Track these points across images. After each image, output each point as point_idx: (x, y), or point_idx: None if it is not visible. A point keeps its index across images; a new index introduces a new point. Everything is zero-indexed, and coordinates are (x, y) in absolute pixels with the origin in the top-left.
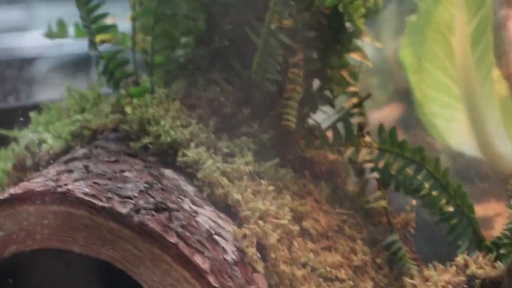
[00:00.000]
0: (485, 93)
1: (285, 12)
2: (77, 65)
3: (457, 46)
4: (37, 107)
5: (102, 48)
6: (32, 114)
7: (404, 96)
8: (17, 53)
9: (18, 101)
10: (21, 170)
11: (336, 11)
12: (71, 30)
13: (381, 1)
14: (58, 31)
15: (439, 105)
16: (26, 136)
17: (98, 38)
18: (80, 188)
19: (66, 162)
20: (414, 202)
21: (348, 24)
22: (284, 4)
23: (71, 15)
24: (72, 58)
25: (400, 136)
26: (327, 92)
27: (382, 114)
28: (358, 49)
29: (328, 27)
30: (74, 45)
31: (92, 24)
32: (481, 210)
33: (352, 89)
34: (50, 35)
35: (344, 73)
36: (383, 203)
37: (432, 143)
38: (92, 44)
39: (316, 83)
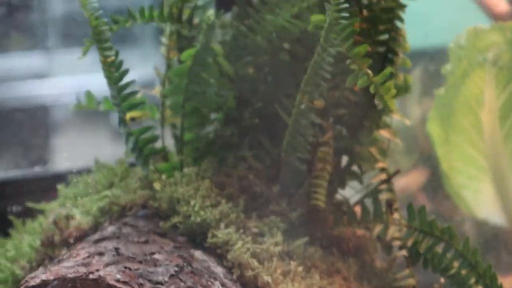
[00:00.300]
0: None
1: (315, 93)
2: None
3: (485, 120)
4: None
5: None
6: (59, 187)
7: (429, 162)
8: (38, 100)
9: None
10: (49, 246)
11: (365, 88)
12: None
13: (411, 79)
14: (87, 102)
15: (466, 176)
16: (54, 210)
17: (128, 115)
18: (112, 275)
19: (96, 242)
20: (442, 280)
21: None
22: (315, 85)
23: (91, 60)
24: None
25: (424, 203)
26: (355, 168)
27: (407, 180)
28: (387, 126)
29: (358, 104)
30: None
31: (122, 102)
32: (506, 283)
33: (380, 165)
34: (79, 106)
35: (373, 150)
36: (411, 281)
37: (457, 211)
38: (122, 121)
39: (344, 158)
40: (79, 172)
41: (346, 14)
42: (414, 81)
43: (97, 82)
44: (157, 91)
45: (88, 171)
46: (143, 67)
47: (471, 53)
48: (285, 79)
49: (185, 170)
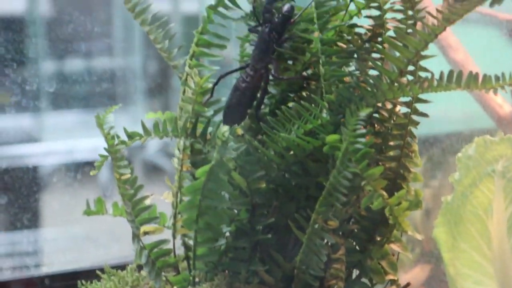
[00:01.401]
0: None
1: (329, 213)
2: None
3: (494, 230)
4: None
5: None
6: None
7: (431, 257)
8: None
9: None
10: None
11: None
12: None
13: (421, 193)
14: (96, 208)
15: (472, 281)
16: None
17: (142, 230)
18: None
19: None
20: None
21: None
22: (330, 206)
23: (80, 123)
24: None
25: None
26: (365, 281)
27: (410, 276)
28: (398, 240)
29: (369, 219)
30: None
31: (136, 217)
32: None
33: (390, 277)
34: (89, 212)
35: (384, 263)
36: None
37: None
38: (136, 236)
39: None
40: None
41: (363, 140)
42: None
43: (85, 146)
44: (166, 196)
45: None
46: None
47: (480, 163)
48: (297, 193)
49: (198, 286)
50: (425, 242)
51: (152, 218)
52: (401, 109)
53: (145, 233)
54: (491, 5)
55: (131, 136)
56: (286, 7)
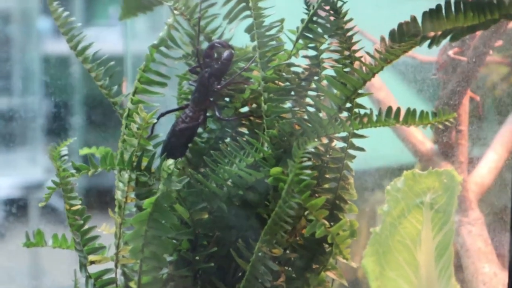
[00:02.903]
0: None
1: (273, 241)
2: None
3: (422, 259)
4: None
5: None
6: None
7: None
8: None
9: None
10: None
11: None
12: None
13: (356, 223)
14: (36, 240)
15: None
16: None
17: (89, 259)
18: None
19: None
20: None
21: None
22: (275, 235)
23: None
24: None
25: None
26: None
27: None
28: (334, 268)
29: (307, 248)
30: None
31: (84, 246)
32: None
33: None
34: (28, 244)
35: None
36: None
37: None
38: (83, 265)
39: None
40: None
41: (308, 171)
42: None
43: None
44: (104, 228)
45: None
46: (31, 168)
47: (409, 195)
48: (238, 223)
49: None
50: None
51: (99, 247)
52: (336, 144)
53: (91, 262)
54: (430, 46)
55: (79, 169)
56: (226, 54)
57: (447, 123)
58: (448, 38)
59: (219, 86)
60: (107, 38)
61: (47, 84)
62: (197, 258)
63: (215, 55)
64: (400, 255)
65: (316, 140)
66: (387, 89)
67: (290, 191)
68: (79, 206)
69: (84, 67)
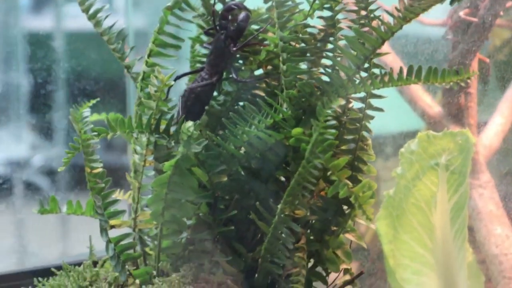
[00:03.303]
0: (459, 261)
1: (296, 202)
2: None
3: (437, 220)
4: None
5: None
6: None
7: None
8: None
9: None
10: None
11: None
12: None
13: (375, 185)
14: (50, 207)
15: (411, 271)
16: None
17: (110, 223)
18: None
19: None
20: None
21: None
22: (298, 196)
23: None
24: None
25: None
26: (320, 270)
27: None
28: (353, 230)
29: (326, 210)
30: None
31: (105, 210)
32: None
33: (344, 266)
34: (43, 211)
35: (339, 253)
36: None
37: None
38: (103, 229)
39: None
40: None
41: (332, 131)
42: None
43: None
44: (127, 196)
45: None
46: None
47: (423, 157)
48: (256, 186)
49: (165, 277)
50: None
51: (119, 211)
52: (354, 104)
53: (112, 226)
54: (451, 3)
55: (98, 132)
56: (242, 16)
57: (468, 81)
58: None
59: (235, 48)
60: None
61: (30, 60)
62: (216, 222)
63: (230, 17)
64: (414, 217)
65: (339, 99)
66: (393, 53)
67: (314, 150)
68: (100, 169)
69: (96, 31)
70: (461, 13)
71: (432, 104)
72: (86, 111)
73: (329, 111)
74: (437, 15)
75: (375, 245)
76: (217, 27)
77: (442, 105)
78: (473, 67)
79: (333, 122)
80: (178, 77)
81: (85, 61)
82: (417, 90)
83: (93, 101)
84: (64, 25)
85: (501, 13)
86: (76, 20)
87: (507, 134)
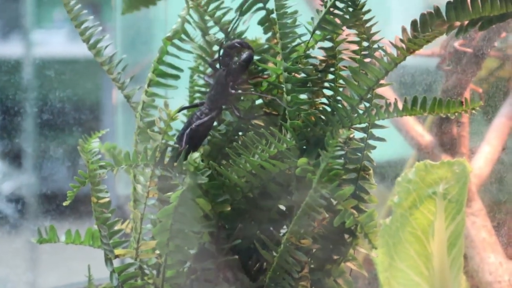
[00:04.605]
0: None
1: (302, 232)
2: None
3: (435, 249)
4: None
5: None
6: None
7: None
8: None
9: None
10: None
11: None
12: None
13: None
14: (49, 236)
15: None
16: None
17: (115, 253)
18: None
19: None
20: None
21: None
22: (305, 225)
23: None
24: None
25: None
26: None
27: None
28: (354, 259)
29: (328, 239)
30: None
31: (110, 239)
32: None
33: None
34: (41, 240)
35: (340, 281)
36: None
37: None
38: (108, 259)
39: None
40: None
41: (340, 161)
42: None
43: None
44: (126, 226)
45: None
46: None
47: (420, 186)
48: (259, 216)
49: None
50: None
51: (124, 241)
52: (355, 134)
53: (116, 256)
54: (457, 35)
55: (104, 166)
56: (245, 56)
57: (473, 111)
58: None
59: (233, 91)
60: (53, 41)
61: None
62: (220, 251)
63: (235, 53)
64: (411, 246)
65: (347, 130)
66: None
67: (321, 180)
68: (106, 199)
69: (97, 61)
70: (456, 44)
71: (423, 133)
72: (95, 142)
73: (338, 141)
74: (429, 45)
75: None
76: (220, 62)
77: (434, 134)
78: (466, 97)
79: (341, 152)
80: (179, 110)
81: (54, 88)
82: (409, 119)
83: (103, 132)
84: (33, 52)
85: (496, 44)
86: (44, 47)
87: (496, 162)
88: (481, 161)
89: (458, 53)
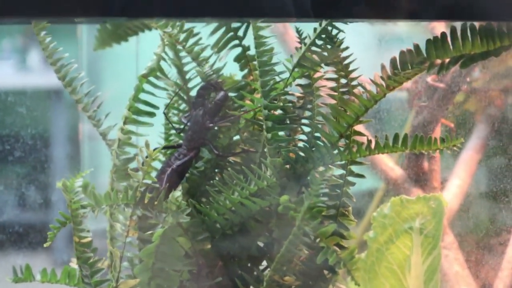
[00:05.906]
0: None
1: (284, 269)
2: None
3: (411, 284)
4: None
5: None
6: None
7: None
8: None
9: None
10: None
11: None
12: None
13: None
14: (25, 275)
15: None
16: None
17: None
18: None
19: None
20: None
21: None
22: (288, 262)
23: None
24: None
25: None
26: None
27: None
28: None
29: (308, 274)
30: None
31: (91, 279)
32: None
33: None
34: (17, 279)
35: None
36: None
37: None
38: None
39: None
40: None
41: (325, 198)
42: None
43: None
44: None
45: None
46: None
47: (396, 221)
48: (239, 253)
49: None
50: None
51: (105, 280)
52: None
53: None
54: (438, 73)
55: (84, 206)
56: (220, 96)
57: (455, 148)
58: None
59: (211, 125)
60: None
61: None
62: None
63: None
64: (386, 280)
65: (329, 168)
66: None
67: (305, 217)
68: (88, 239)
69: (72, 98)
70: (429, 79)
71: (394, 166)
72: (78, 181)
73: (322, 180)
74: None
75: None
76: (193, 104)
77: (405, 168)
78: (437, 131)
79: (326, 190)
80: (156, 150)
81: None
82: None
83: (87, 172)
84: None
85: (468, 79)
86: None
87: (465, 195)
88: (451, 194)
89: (430, 89)
